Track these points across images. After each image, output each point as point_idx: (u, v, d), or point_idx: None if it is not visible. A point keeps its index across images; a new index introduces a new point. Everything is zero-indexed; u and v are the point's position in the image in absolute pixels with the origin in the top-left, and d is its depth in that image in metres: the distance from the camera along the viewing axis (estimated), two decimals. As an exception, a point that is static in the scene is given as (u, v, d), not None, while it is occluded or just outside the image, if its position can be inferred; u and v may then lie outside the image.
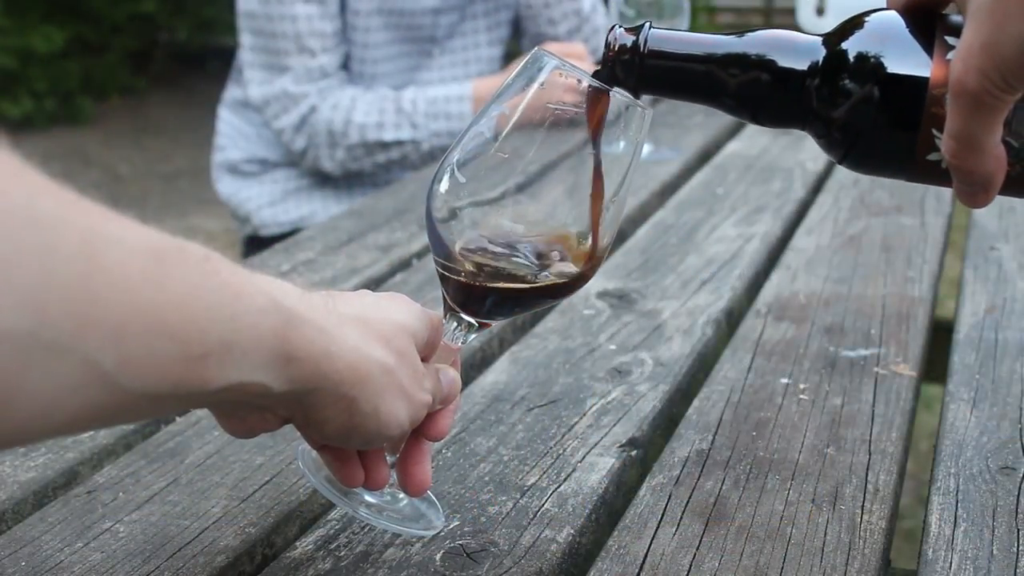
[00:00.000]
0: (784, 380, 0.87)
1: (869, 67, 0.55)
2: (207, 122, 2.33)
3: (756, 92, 0.58)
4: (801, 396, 0.85)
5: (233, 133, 1.90)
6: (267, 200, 1.86)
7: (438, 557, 0.65)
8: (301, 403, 0.53)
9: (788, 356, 0.92)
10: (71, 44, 6.32)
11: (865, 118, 0.56)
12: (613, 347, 0.94)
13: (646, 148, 1.59)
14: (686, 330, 0.98)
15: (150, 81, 6.90)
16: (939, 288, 1.10)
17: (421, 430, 0.64)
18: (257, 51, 1.74)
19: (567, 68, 0.61)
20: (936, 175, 0.55)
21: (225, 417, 0.57)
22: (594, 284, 1.09)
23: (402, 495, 0.67)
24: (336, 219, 1.32)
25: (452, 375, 0.64)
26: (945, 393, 0.85)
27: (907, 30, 0.55)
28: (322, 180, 1.83)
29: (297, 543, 0.67)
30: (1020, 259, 1.14)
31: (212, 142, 1.94)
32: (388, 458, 0.65)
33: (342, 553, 0.65)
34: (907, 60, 0.54)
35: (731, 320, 1.03)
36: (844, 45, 0.56)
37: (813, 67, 0.57)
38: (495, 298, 0.64)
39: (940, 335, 1.00)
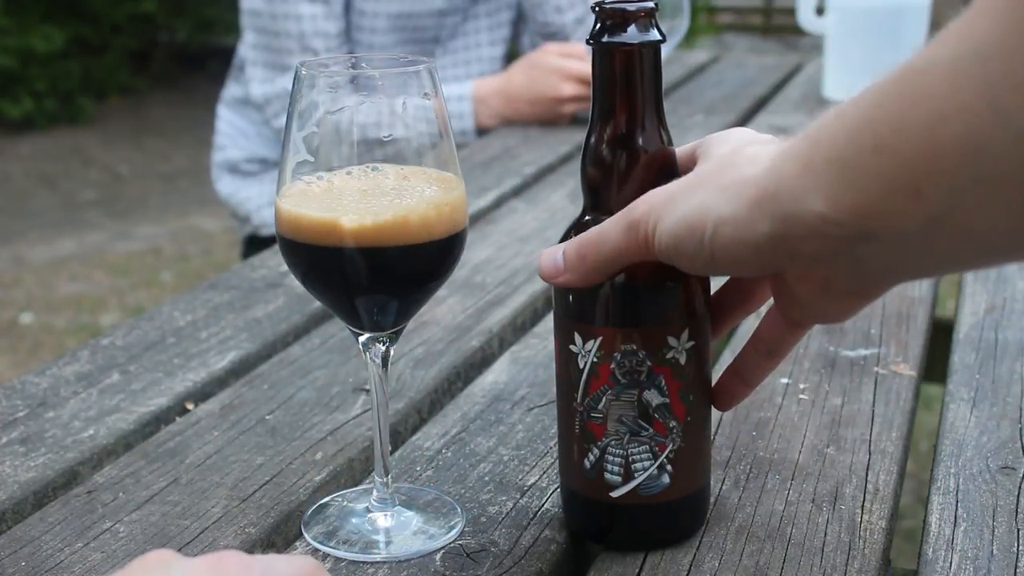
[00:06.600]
0: (784, 380, 0.87)
1: None
2: (207, 122, 2.33)
3: None
4: (801, 396, 0.85)
5: (233, 132, 1.90)
6: (267, 200, 1.86)
7: (438, 557, 0.65)
8: None
9: (788, 356, 0.92)
10: (71, 44, 6.33)
11: None
12: (613, 347, 0.94)
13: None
14: (686, 330, 0.98)
15: (150, 81, 6.90)
16: (939, 288, 1.10)
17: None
18: (260, 49, 1.74)
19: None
20: None
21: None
22: (594, 284, 1.09)
23: (412, 513, 0.68)
24: (336, 219, 1.31)
25: None
26: (945, 393, 0.85)
27: None
28: (322, 180, 1.83)
29: (297, 543, 0.67)
30: (1020, 259, 1.14)
31: (212, 142, 1.94)
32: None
33: (342, 553, 0.65)
34: None
35: (731, 320, 1.03)
36: None
37: None
38: (391, 298, 0.64)
39: (940, 335, 1.00)
